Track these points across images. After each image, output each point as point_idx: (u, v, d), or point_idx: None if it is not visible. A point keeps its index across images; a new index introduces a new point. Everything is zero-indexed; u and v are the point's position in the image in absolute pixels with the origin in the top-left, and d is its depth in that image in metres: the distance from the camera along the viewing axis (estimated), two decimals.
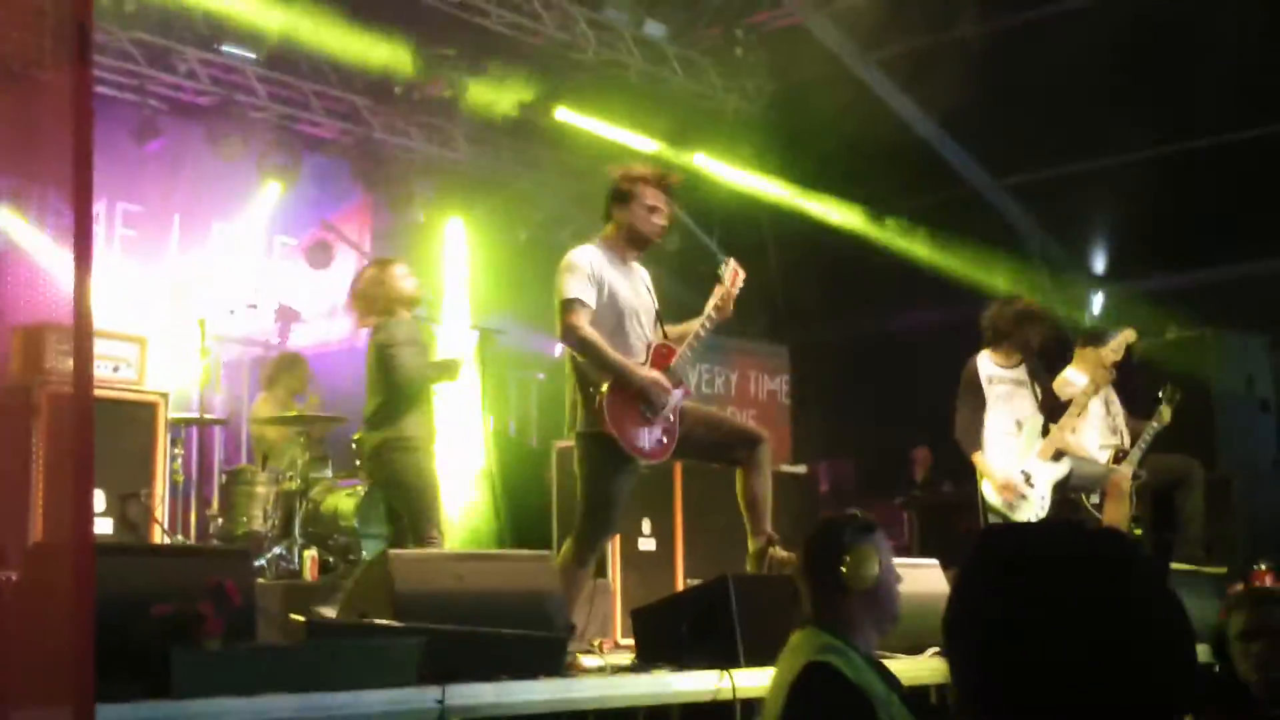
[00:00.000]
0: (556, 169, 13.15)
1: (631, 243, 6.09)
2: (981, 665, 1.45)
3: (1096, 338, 8.42)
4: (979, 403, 7.85)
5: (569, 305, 5.80)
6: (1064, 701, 1.39)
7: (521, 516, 9.14)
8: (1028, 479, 7.70)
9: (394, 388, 7.22)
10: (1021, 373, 7.95)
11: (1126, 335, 8.10)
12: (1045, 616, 1.41)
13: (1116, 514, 7.94)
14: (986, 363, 7.94)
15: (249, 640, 4.48)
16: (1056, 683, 1.39)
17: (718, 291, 6.11)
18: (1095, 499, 8.09)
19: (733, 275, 6.12)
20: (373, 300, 7.43)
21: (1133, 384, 8.75)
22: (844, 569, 3.66)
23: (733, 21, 12.11)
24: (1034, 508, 7.64)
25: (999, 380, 7.90)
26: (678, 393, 5.94)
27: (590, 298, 5.84)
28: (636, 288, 6.08)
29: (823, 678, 3.50)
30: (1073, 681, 1.38)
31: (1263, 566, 8.72)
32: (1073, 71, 10.99)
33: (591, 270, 5.89)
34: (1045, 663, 1.39)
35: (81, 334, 2.64)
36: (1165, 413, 8.39)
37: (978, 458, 7.80)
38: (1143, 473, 8.22)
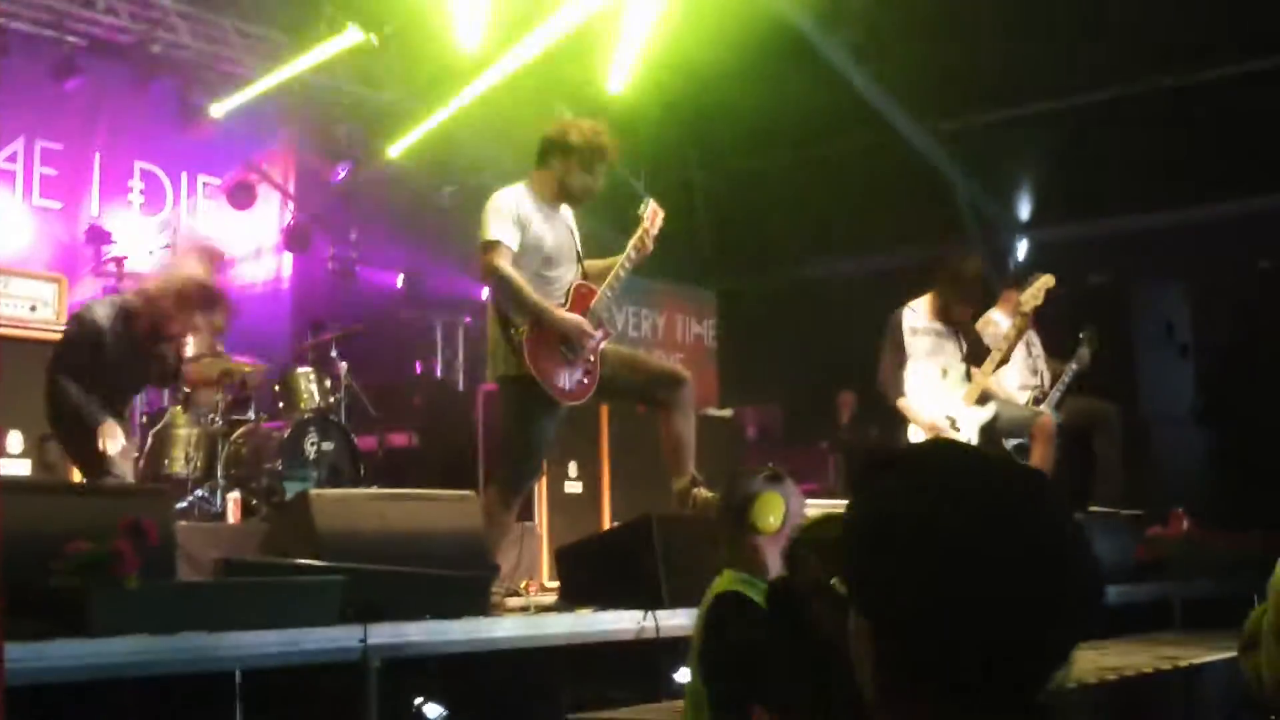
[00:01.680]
0: (484, 109, 13.01)
1: (560, 194, 6.07)
2: (874, 584, 1.44)
3: (1018, 281, 8.48)
4: (901, 355, 7.86)
5: (490, 246, 5.80)
6: (973, 619, 1.37)
7: (447, 458, 9.11)
8: (953, 423, 7.75)
9: None
10: (944, 323, 7.96)
11: (1046, 280, 8.12)
12: (934, 531, 1.40)
13: (1043, 457, 7.99)
14: (911, 315, 7.94)
15: (168, 579, 4.45)
16: (960, 600, 1.37)
17: (638, 231, 6.12)
18: (1014, 443, 8.16)
19: (652, 215, 6.13)
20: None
21: (1053, 329, 8.82)
22: (751, 514, 3.88)
23: None
24: None
25: (923, 332, 7.91)
26: (598, 334, 5.96)
27: (512, 239, 5.83)
28: (559, 231, 6.07)
29: (732, 603, 3.74)
30: (979, 597, 1.37)
31: (1179, 509, 8.89)
32: (1000, 15, 11.01)
33: (517, 212, 5.87)
34: (944, 580, 1.38)
35: None
36: (1085, 355, 8.50)
37: (901, 403, 7.83)
38: (1060, 415, 8.32)
